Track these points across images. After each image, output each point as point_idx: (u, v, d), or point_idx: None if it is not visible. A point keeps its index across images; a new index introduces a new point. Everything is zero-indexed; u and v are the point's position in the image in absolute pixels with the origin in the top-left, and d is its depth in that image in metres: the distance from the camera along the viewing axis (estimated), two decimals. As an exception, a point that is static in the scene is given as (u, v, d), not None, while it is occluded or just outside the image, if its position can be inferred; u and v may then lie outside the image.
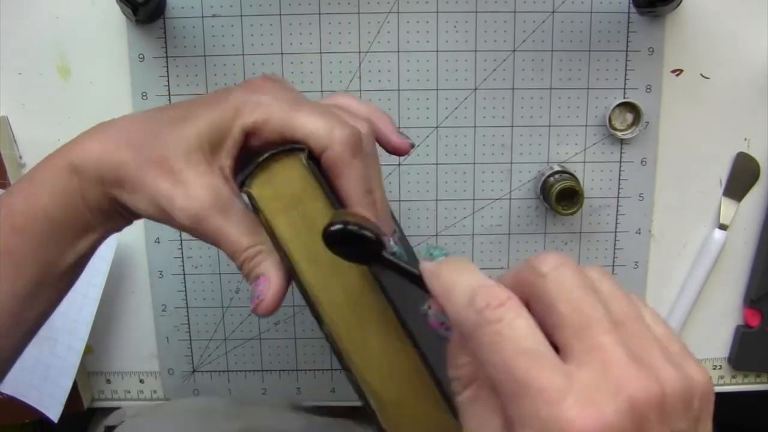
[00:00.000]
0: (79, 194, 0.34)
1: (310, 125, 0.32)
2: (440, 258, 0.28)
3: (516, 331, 0.22)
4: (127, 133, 0.33)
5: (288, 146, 0.32)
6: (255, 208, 0.33)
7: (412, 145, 0.38)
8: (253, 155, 0.33)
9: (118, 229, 0.37)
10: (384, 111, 0.38)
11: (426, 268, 0.27)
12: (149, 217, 0.34)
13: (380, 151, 0.53)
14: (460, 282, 0.25)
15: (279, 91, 0.34)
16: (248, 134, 0.33)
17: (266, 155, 0.32)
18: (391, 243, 0.31)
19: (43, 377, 0.53)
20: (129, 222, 0.36)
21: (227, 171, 0.33)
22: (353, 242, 0.29)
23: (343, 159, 0.32)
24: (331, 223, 0.29)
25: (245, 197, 0.33)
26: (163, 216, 0.33)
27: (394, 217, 0.39)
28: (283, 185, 0.32)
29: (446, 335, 0.27)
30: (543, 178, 0.53)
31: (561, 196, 0.51)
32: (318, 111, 0.33)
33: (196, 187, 0.32)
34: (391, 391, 0.32)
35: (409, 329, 0.31)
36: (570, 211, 0.51)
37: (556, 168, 0.53)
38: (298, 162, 0.32)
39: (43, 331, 0.52)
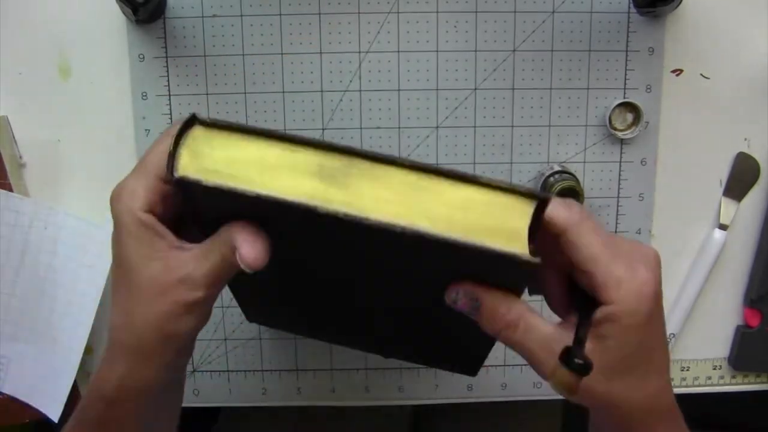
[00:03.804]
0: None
1: None
2: None
3: (598, 223, 0.34)
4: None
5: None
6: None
7: None
8: None
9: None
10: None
11: None
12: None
13: (378, 151, 0.53)
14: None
15: None
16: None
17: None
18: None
19: (44, 377, 0.53)
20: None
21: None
22: None
23: None
24: None
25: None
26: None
27: None
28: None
29: (473, 312, 0.33)
30: (543, 178, 0.53)
31: (561, 195, 0.51)
32: None
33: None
34: None
35: None
36: None
37: (556, 168, 0.52)
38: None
39: (44, 331, 0.53)
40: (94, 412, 0.37)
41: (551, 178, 0.52)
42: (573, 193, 0.51)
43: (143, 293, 0.34)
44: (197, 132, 0.32)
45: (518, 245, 0.30)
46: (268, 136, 0.31)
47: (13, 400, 0.54)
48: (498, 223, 0.30)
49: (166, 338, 0.34)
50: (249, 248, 0.32)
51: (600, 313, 0.33)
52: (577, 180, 0.52)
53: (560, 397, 0.33)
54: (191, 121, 0.32)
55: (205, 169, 0.31)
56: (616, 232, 0.55)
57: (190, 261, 0.34)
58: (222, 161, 0.31)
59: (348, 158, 0.31)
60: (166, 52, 0.51)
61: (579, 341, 0.32)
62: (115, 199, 0.34)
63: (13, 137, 0.52)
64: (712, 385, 0.58)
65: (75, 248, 0.52)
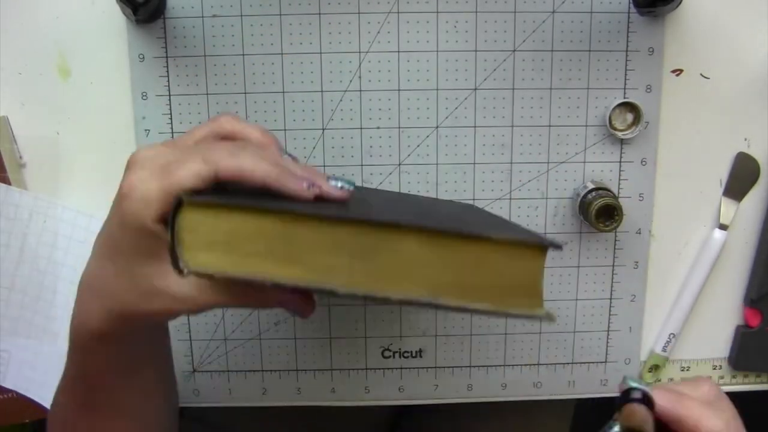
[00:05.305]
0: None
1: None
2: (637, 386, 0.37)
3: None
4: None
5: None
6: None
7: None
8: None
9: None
10: (271, 134, 0.39)
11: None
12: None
13: (378, 151, 0.53)
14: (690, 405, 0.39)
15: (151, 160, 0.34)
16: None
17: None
18: (332, 182, 0.36)
19: (44, 371, 0.53)
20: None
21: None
22: None
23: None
24: None
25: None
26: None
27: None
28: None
29: None
30: (579, 198, 0.52)
31: (599, 213, 0.51)
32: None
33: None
34: None
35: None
36: (611, 228, 0.51)
37: (590, 186, 0.52)
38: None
39: (44, 325, 0.53)
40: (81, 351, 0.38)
41: (588, 196, 0.52)
42: (611, 209, 0.51)
43: (136, 282, 0.35)
44: (190, 214, 0.31)
45: (536, 301, 0.33)
46: (267, 211, 0.31)
47: (13, 400, 0.54)
48: (515, 280, 0.33)
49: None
50: (307, 310, 0.37)
51: None
52: (614, 195, 0.51)
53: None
54: (180, 204, 0.31)
55: (210, 245, 0.31)
56: (616, 232, 0.55)
57: (194, 289, 0.34)
58: (225, 235, 0.31)
59: (359, 228, 0.32)
60: (166, 52, 0.51)
61: None
62: (125, 198, 0.33)
63: (13, 137, 0.52)
64: (712, 385, 0.58)
65: (75, 241, 0.52)
